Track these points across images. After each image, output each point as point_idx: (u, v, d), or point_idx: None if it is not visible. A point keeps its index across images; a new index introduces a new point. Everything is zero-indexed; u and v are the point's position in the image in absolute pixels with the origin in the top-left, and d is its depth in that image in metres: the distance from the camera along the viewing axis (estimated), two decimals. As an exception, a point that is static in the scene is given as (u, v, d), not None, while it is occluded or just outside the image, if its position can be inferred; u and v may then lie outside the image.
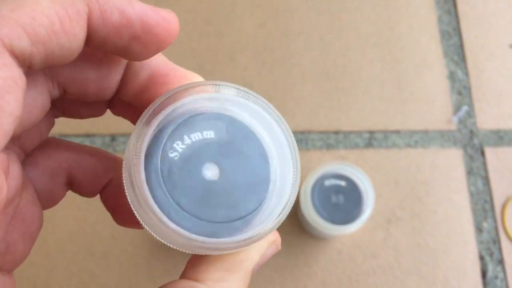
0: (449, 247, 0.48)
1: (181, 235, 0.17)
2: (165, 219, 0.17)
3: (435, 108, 0.53)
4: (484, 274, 0.48)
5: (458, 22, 0.57)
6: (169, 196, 0.17)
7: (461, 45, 0.56)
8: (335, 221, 0.42)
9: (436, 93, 0.54)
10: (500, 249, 0.49)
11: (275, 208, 0.18)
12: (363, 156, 0.51)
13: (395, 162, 0.51)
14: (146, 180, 0.17)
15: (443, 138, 0.52)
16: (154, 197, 0.17)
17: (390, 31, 0.56)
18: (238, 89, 0.20)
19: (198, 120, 0.19)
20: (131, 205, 0.18)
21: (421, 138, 0.52)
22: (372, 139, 0.52)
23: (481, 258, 0.48)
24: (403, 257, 0.48)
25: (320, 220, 0.42)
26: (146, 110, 0.18)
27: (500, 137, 0.53)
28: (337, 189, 0.43)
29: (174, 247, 0.18)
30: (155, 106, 0.18)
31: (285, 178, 0.19)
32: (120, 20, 0.17)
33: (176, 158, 0.18)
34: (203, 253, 0.18)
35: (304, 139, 0.51)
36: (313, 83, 0.53)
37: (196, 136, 0.18)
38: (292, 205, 0.18)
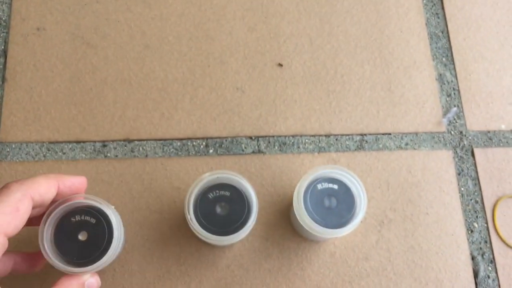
0: (441, 248, 0.49)
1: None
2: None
3: (425, 110, 0.54)
4: (476, 274, 0.48)
5: (446, 24, 0.57)
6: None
7: (450, 47, 0.56)
8: (328, 225, 0.42)
9: (426, 95, 0.54)
10: (491, 249, 0.49)
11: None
12: (354, 159, 0.51)
13: (387, 165, 0.51)
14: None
15: (433, 140, 0.53)
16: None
17: (379, 34, 0.56)
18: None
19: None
20: None
21: (412, 140, 0.52)
22: (363, 142, 0.52)
23: (473, 258, 0.49)
24: (395, 259, 0.48)
25: (313, 223, 0.42)
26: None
27: (490, 138, 0.53)
28: (330, 193, 0.43)
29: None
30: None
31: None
32: (69, 186, 0.40)
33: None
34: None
35: (295, 143, 0.51)
36: (304, 86, 0.54)
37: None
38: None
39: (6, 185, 0.36)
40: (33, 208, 0.37)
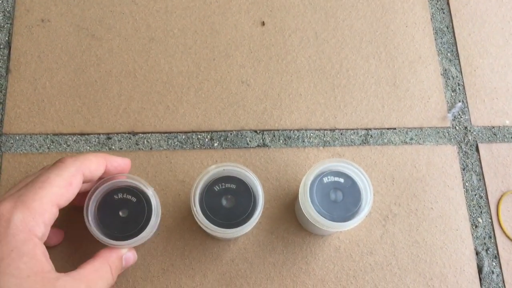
0: (445, 243, 0.49)
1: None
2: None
3: (430, 105, 0.53)
4: (480, 269, 0.48)
5: (451, 19, 0.57)
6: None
7: (455, 43, 0.56)
8: (334, 218, 0.42)
9: (431, 90, 0.54)
10: (495, 244, 0.49)
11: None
12: (359, 153, 0.51)
13: (391, 159, 0.51)
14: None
15: (438, 135, 0.53)
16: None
17: (384, 28, 0.56)
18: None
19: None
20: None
21: (417, 135, 0.52)
22: (368, 136, 0.52)
23: (477, 253, 0.49)
24: (400, 254, 0.48)
25: (319, 217, 0.42)
26: None
27: (494, 134, 0.53)
28: (336, 186, 0.43)
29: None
30: None
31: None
32: (115, 167, 0.43)
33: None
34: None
35: (300, 137, 0.51)
36: (309, 80, 0.53)
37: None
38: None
39: (61, 160, 0.39)
40: (83, 183, 0.39)
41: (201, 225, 0.42)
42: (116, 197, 0.42)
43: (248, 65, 0.53)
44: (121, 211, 0.42)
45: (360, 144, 0.52)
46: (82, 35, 0.53)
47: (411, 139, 0.52)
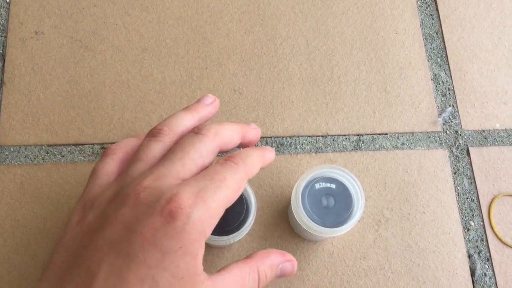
0: (438, 247, 0.49)
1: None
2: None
3: (420, 110, 0.54)
4: (473, 272, 0.49)
5: (440, 25, 0.58)
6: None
7: (444, 48, 0.57)
8: (326, 224, 0.43)
9: (421, 95, 0.55)
10: (487, 247, 0.50)
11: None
12: (351, 159, 0.52)
13: (383, 164, 0.52)
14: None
15: (429, 139, 0.53)
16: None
17: (375, 35, 0.57)
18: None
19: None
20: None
21: (408, 140, 0.53)
22: (360, 142, 0.53)
23: (470, 256, 0.49)
24: (393, 258, 0.49)
25: (311, 223, 0.42)
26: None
27: (485, 137, 0.54)
28: (327, 192, 0.44)
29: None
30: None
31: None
32: (270, 161, 0.42)
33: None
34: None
35: (293, 143, 0.52)
36: (301, 87, 0.54)
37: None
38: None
39: (233, 159, 0.35)
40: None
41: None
42: None
43: (240, 74, 0.54)
44: None
45: (352, 149, 0.52)
46: (76, 47, 0.54)
47: (403, 144, 0.53)
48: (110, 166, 0.37)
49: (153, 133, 0.37)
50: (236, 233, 0.42)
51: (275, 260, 0.37)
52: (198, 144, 0.35)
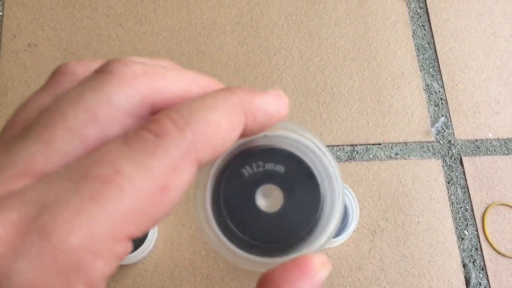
0: (432, 256, 0.49)
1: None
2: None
3: (413, 120, 0.54)
4: (467, 281, 0.49)
5: (432, 36, 0.59)
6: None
7: (436, 58, 0.58)
8: (321, 235, 0.43)
9: (414, 105, 0.55)
10: (482, 256, 0.50)
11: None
12: (346, 169, 0.52)
13: (377, 174, 0.52)
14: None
15: (422, 149, 0.53)
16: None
17: (367, 46, 0.57)
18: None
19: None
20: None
21: (401, 150, 0.53)
22: (354, 153, 0.53)
23: (464, 265, 0.49)
24: (388, 268, 0.49)
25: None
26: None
27: (477, 147, 0.54)
28: (322, 203, 0.44)
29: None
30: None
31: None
32: (264, 119, 0.19)
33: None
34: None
35: (287, 154, 0.52)
36: (295, 98, 0.54)
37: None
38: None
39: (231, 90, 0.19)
40: None
41: (219, 250, 0.22)
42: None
43: (234, 85, 0.54)
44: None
45: (347, 160, 0.52)
46: (69, 59, 0.54)
47: (396, 154, 0.53)
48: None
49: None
50: (300, 251, 0.21)
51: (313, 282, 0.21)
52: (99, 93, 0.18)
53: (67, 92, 0.18)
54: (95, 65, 0.19)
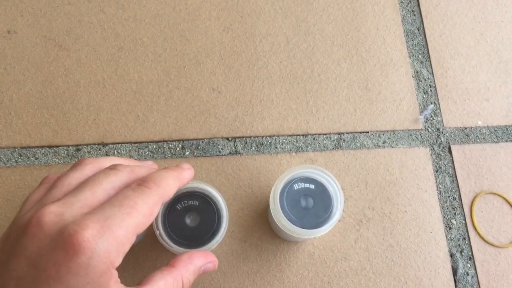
0: (419, 246, 0.49)
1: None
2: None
3: (402, 108, 0.53)
4: (455, 271, 0.48)
5: (422, 21, 0.57)
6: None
7: (426, 45, 0.56)
8: (305, 225, 0.42)
9: (403, 92, 0.54)
10: (469, 246, 0.49)
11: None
12: (332, 158, 0.51)
13: (364, 163, 0.51)
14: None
15: (410, 137, 0.53)
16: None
17: (355, 32, 0.56)
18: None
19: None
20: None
21: (389, 138, 0.52)
22: (340, 141, 0.52)
23: (452, 255, 0.49)
24: (374, 258, 0.48)
25: (290, 224, 0.41)
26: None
27: (467, 135, 0.53)
28: (306, 193, 0.43)
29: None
30: None
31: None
32: (186, 181, 0.40)
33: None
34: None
35: (273, 143, 0.51)
36: (281, 86, 0.53)
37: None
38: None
39: (146, 183, 0.34)
40: None
41: (166, 246, 0.41)
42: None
43: (218, 72, 0.53)
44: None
45: (333, 148, 0.51)
46: (50, 46, 0.53)
47: (384, 142, 0.52)
48: (41, 194, 0.35)
49: (73, 165, 0.37)
50: (206, 245, 0.41)
51: (198, 264, 0.38)
52: (113, 177, 0.34)
53: (99, 174, 0.36)
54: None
